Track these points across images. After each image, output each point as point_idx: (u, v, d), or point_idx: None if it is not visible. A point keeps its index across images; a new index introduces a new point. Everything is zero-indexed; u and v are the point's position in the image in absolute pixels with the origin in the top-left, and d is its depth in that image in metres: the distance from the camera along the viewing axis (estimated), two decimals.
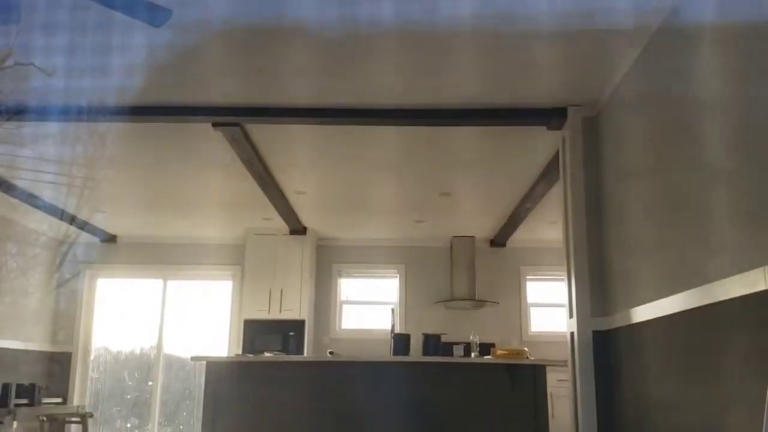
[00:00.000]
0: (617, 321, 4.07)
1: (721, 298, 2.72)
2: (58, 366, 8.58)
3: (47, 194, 6.81)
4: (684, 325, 3.14)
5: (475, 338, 6.17)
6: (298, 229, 8.30)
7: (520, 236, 8.41)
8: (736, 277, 2.58)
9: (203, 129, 4.99)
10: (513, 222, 7.68)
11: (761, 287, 2.40)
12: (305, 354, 8.02)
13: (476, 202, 7.11)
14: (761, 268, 2.40)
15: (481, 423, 5.07)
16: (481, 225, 8.12)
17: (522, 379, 5.12)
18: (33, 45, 3.87)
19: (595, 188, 4.54)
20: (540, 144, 5.32)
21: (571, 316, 4.50)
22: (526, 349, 5.34)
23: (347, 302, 8.97)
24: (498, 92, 4.45)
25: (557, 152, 5.01)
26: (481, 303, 8.50)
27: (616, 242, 4.20)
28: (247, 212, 7.68)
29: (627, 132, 4.05)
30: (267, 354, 5.85)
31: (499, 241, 8.70)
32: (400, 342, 6.26)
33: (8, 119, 4.95)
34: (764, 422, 2.15)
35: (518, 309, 8.73)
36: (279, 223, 8.07)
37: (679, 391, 3.20)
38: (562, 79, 4.25)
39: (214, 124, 4.85)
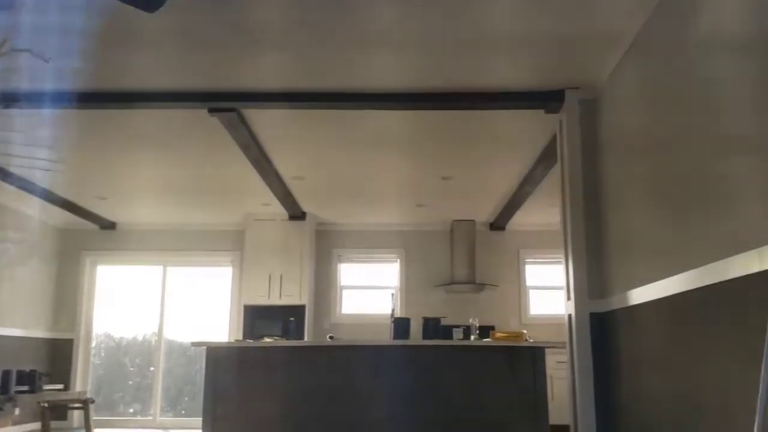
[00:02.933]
0: (615, 303, 4.08)
1: (718, 280, 2.72)
2: (60, 353, 8.62)
3: (40, 180, 6.81)
4: (681, 306, 3.14)
5: (474, 321, 6.21)
6: (297, 215, 8.31)
7: (520, 219, 8.42)
8: (732, 258, 2.59)
9: (199, 114, 4.99)
10: (512, 205, 7.68)
11: (755, 269, 2.40)
12: (305, 339, 8.06)
13: (476, 186, 7.10)
14: (756, 250, 2.40)
15: (482, 405, 5.10)
16: (481, 208, 8.12)
17: (521, 362, 5.15)
18: (28, 30, 3.86)
19: (593, 171, 4.54)
20: (538, 127, 5.30)
21: (568, 299, 4.51)
22: (525, 331, 5.36)
23: (347, 287, 8.99)
24: (496, 76, 4.43)
25: (555, 135, 5.00)
26: (481, 286, 8.52)
27: (614, 224, 4.19)
28: (246, 198, 7.68)
29: (626, 113, 4.03)
30: (267, 339, 5.87)
31: (498, 224, 8.71)
32: (401, 326, 6.29)
33: (6, 106, 4.95)
34: (758, 400, 2.16)
35: (518, 292, 8.75)
36: (278, 209, 8.08)
37: (676, 372, 3.21)
38: (559, 61, 4.22)
39: (210, 110, 4.84)
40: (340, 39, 3.94)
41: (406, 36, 3.90)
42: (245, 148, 5.64)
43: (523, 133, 5.46)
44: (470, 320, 6.25)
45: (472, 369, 5.16)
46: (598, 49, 4.03)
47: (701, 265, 2.88)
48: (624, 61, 4.00)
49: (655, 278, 3.44)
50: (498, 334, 5.22)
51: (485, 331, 8.05)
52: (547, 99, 4.66)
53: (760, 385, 2.16)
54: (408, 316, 7.64)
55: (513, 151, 5.93)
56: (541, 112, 4.86)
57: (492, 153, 5.99)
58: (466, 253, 8.58)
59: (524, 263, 8.84)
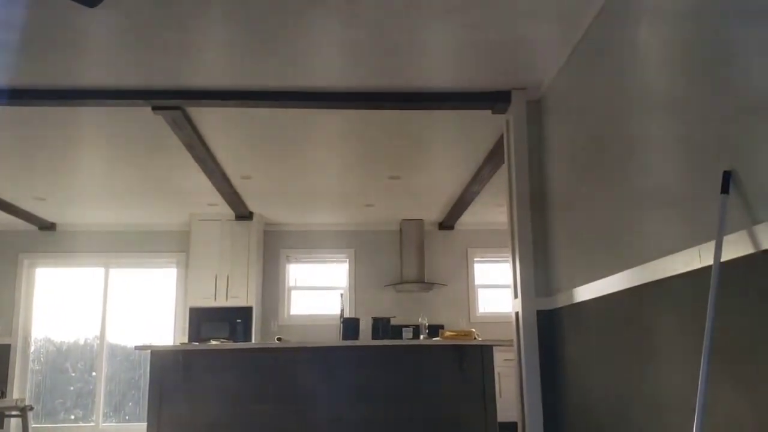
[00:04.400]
0: (561, 300, 4.14)
1: (659, 277, 2.78)
2: None
3: None
4: (624, 303, 3.21)
5: (423, 320, 6.24)
6: (244, 215, 8.20)
7: (468, 219, 8.49)
8: (673, 256, 2.65)
9: (143, 113, 4.87)
10: (461, 205, 7.74)
11: (696, 266, 2.47)
12: (253, 341, 7.95)
13: (425, 185, 7.13)
14: (696, 248, 2.46)
15: (431, 404, 5.11)
16: (429, 208, 8.15)
17: (470, 360, 5.19)
18: None
19: (539, 171, 4.60)
20: (485, 127, 5.35)
21: (515, 297, 4.56)
22: (473, 330, 5.40)
23: (296, 288, 8.92)
24: (442, 76, 4.44)
25: (502, 136, 5.04)
26: (430, 285, 8.57)
27: (560, 223, 4.26)
28: (191, 198, 7.53)
29: (569, 115, 4.10)
30: (213, 342, 5.77)
31: (447, 223, 8.77)
32: (350, 326, 6.27)
33: None
34: (698, 396, 2.22)
35: (466, 290, 8.83)
36: (224, 209, 7.96)
37: (621, 369, 3.28)
38: (506, 63, 4.26)
39: (154, 108, 4.72)
40: (284, 38, 3.89)
41: (352, 35, 3.88)
42: (190, 147, 5.53)
43: (470, 133, 5.51)
44: (419, 319, 6.27)
45: (422, 368, 5.18)
46: (543, 51, 4.09)
47: (644, 263, 2.94)
48: (568, 62, 4.06)
49: (599, 276, 3.51)
50: (447, 333, 5.25)
51: (434, 330, 8.10)
52: (494, 100, 4.70)
53: (700, 382, 2.21)
54: (357, 317, 7.63)
55: (460, 151, 5.97)
56: (488, 112, 4.90)
57: (439, 153, 6.02)
58: (415, 253, 8.62)
59: (473, 262, 8.92)
